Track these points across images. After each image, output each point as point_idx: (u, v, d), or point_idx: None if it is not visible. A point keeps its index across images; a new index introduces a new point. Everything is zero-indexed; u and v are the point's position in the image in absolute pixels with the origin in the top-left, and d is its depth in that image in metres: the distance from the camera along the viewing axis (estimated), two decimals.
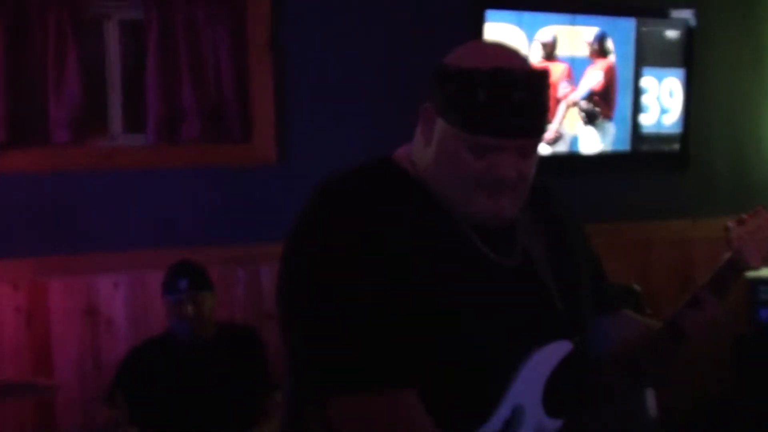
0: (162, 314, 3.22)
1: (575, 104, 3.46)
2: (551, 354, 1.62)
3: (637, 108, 3.53)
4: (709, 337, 1.71)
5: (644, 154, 4.05)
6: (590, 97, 3.46)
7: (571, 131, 3.43)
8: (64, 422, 3.41)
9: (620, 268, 3.99)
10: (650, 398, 3.34)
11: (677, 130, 3.69)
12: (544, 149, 3.77)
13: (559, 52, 3.42)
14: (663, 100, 3.59)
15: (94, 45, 3.60)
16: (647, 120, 3.56)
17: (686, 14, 3.99)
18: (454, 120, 1.58)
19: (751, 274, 4.06)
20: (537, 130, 1.60)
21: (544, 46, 3.43)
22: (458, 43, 1.68)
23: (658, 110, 3.57)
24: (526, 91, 1.55)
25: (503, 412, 1.59)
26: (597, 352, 1.77)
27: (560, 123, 3.49)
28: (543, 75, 1.61)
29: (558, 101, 3.40)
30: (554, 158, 3.84)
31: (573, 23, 3.47)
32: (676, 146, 3.86)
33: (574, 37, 3.41)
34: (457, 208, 1.63)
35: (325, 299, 1.57)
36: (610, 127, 3.54)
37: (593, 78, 3.51)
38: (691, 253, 4.25)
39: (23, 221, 3.40)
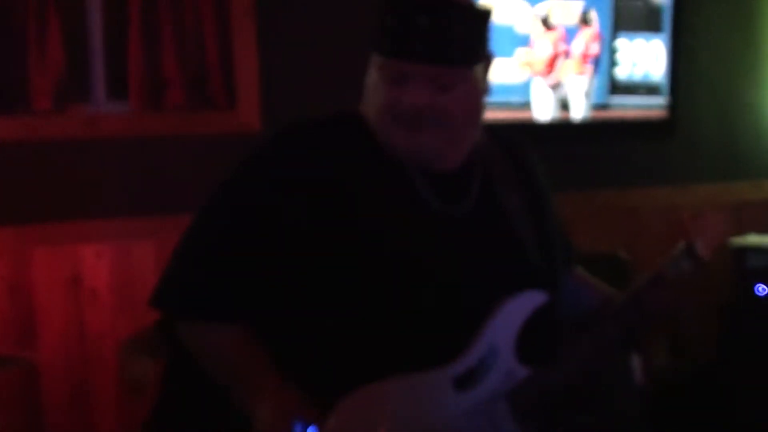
0: (146, 283, 3.19)
1: (569, 58, 4.03)
2: (526, 302, 1.65)
3: (613, 63, 4.11)
4: (671, 315, 1.76)
5: (631, 121, 4.13)
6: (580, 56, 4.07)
7: (565, 79, 4.01)
8: (49, 393, 3.39)
9: (607, 237, 4.00)
10: (636, 365, 3.35)
11: (644, 79, 4.18)
12: (539, 118, 3.94)
13: (554, 21, 3.96)
14: (633, 57, 4.14)
15: (76, 10, 3.55)
16: (621, 72, 4.12)
17: None
18: (373, 46, 1.65)
19: (738, 242, 4.10)
20: (446, 58, 1.59)
21: (543, 14, 3.95)
22: None
23: (629, 65, 4.13)
24: (433, 18, 1.57)
25: (480, 348, 1.62)
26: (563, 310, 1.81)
27: (558, 72, 3.98)
28: (461, 6, 1.60)
29: (557, 56, 3.96)
30: (542, 126, 3.96)
31: None
32: (642, 90, 4.19)
33: (566, 9, 3.99)
34: (385, 144, 1.66)
35: (213, 217, 1.67)
36: (594, 79, 4.06)
37: (580, 41, 4.02)
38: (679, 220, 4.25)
39: (4, 189, 3.36)
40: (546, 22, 3.92)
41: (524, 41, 3.88)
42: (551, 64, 3.95)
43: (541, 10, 3.91)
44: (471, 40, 1.62)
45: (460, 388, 1.61)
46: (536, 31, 3.91)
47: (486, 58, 1.69)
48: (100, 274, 3.44)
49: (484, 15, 1.65)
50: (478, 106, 1.69)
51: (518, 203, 1.75)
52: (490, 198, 1.72)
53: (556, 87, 3.98)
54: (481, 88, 1.69)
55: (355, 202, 1.63)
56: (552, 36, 3.94)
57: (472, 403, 1.61)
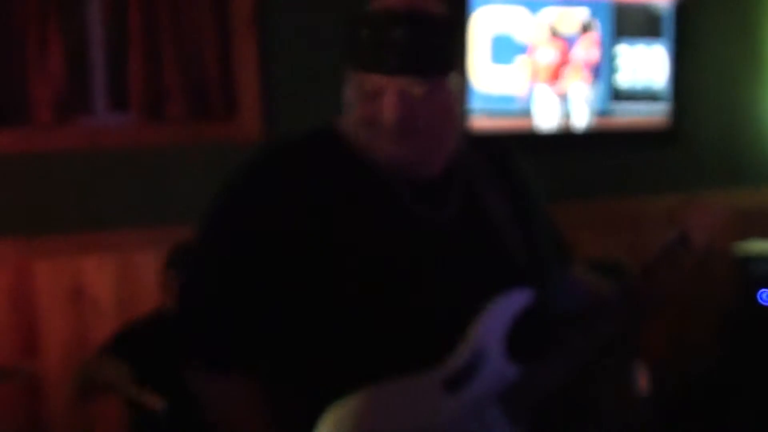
0: (149, 294, 3.20)
1: (571, 68, 4.07)
2: (512, 302, 1.65)
3: (614, 70, 4.12)
4: (663, 307, 1.77)
5: (633, 128, 4.13)
6: (581, 63, 4.10)
7: (568, 90, 4.03)
8: (51, 404, 3.39)
9: (609, 244, 3.99)
10: (642, 376, 3.34)
11: (646, 86, 4.19)
12: (540, 126, 3.93)
13: (559, 29, 4.00)
14: (634, 64, 4.15)
15: (77, 22, 3.55)
16: (622, 79, 4.14)
17: None
18: (348, 61, 1.63)
19: (741, 249, 4.09)
20: (421, 69, 1.59)
21: (549, 24, 4.00)
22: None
23: (631, 72, 4.14)
24: (407, 30, 1.57)
25: (468, 350, 1.62)
26: (556, 308, 1.82)
27: (564, 79, 4.01)
28: (434, 17, 1.60)
29: (563, 63, 4.00)
30: (543, 136, 3.95)
31: (568, 4, 3.99)
32: (644, 97, 4.18)
33: (568, 16, 4.03)
34: (365, 157, 1.66)
35: (205, 269, 1.68)
36: (595, 86, 4.09)
37: (581, 49, 4.05)
38: None
39: (6, 201, 3.37)
40: (553, 30, 3.95)
41: (524, 49, 3.89)
42: (557, 72, 3.98)
43: (549, 18, 3.94)
44: (444, 49, 1.62)
45: (450, 390, 1.61)
46: (540, 38, 3.93)
47: (460, 65, 1.70)
48: (102, 286, 3.44)
49: (456, 23, 1.67)
50: (455, 113, 1.70)
51: (502, 206, 1.75)
52: (473, 202, 1.73)
53: (562, 95, 4.00)
54: (456, 95, 1.69)
55: (339, 217, 1.63)
56: (558, 44, 3.96)
57: (464, 404, 1.61)
